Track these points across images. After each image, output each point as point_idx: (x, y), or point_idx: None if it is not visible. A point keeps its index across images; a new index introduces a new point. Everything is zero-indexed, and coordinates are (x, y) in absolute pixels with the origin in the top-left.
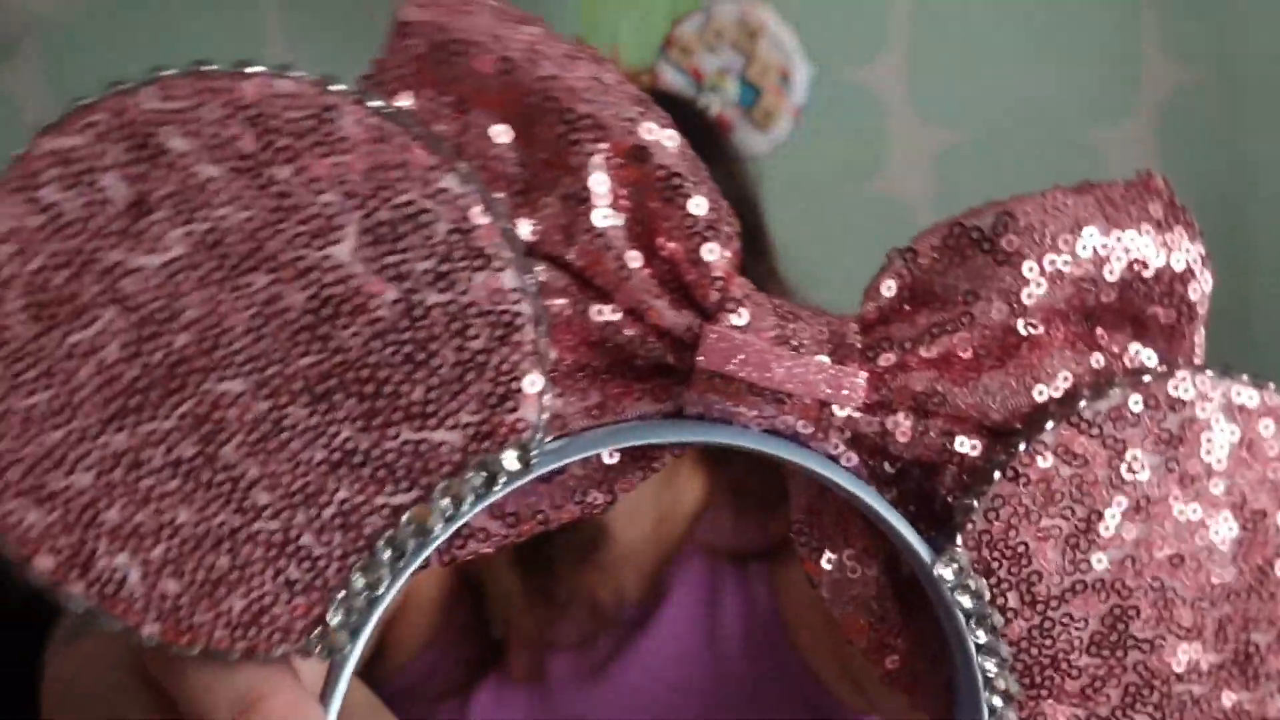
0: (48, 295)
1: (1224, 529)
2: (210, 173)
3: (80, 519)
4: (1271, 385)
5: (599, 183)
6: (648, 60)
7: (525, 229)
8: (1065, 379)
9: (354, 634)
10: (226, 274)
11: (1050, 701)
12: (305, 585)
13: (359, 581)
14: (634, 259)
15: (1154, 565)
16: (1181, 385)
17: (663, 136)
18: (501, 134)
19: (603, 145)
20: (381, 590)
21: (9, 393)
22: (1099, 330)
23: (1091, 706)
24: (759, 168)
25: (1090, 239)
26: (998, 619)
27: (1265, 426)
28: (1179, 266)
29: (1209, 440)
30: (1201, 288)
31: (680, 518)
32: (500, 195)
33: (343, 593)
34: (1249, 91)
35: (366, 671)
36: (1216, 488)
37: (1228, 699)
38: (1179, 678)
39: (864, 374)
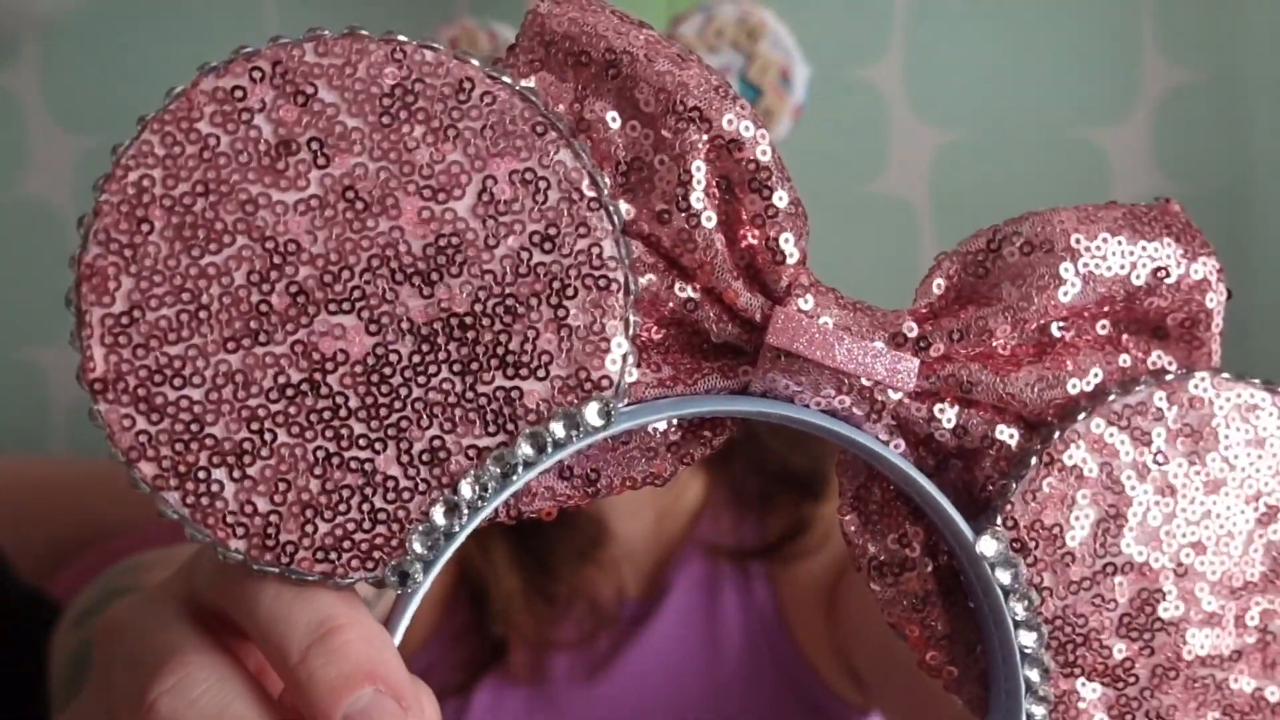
0: (189, 218)
1: (1240, 520)
2: (352, 123)
3: (186, 431)
4: None
5: (698, 170)
6: None
7: (625, 207)
8: (1096, 375)
9: (427, 567)
10: (354, 216)
11: (1082, 679)
12: (388, 515)
13: (439, 517)
14: (719, 243)
15: (1178, 551)
16: (1200, 385)
17: (757, 135)
18: (614, 119)
19: (705, 137)
20: (458, 528)
21: (139, 305)
22: (1125, 336)
23: (1121, 686)
24: None
25: (1120, 246)
26: (1034, 596)
27: (1274, 427)
28: (1197, 276)
29: (1226, 437)
30: (1218, 297)
31: (680, 516)
32: (606, 174)
33: (422, 526)
34: (1249, 91)
35: None
36: (1234, 481)
37: (1247, 684)
38: (1202, 661)
39: (917, 362)
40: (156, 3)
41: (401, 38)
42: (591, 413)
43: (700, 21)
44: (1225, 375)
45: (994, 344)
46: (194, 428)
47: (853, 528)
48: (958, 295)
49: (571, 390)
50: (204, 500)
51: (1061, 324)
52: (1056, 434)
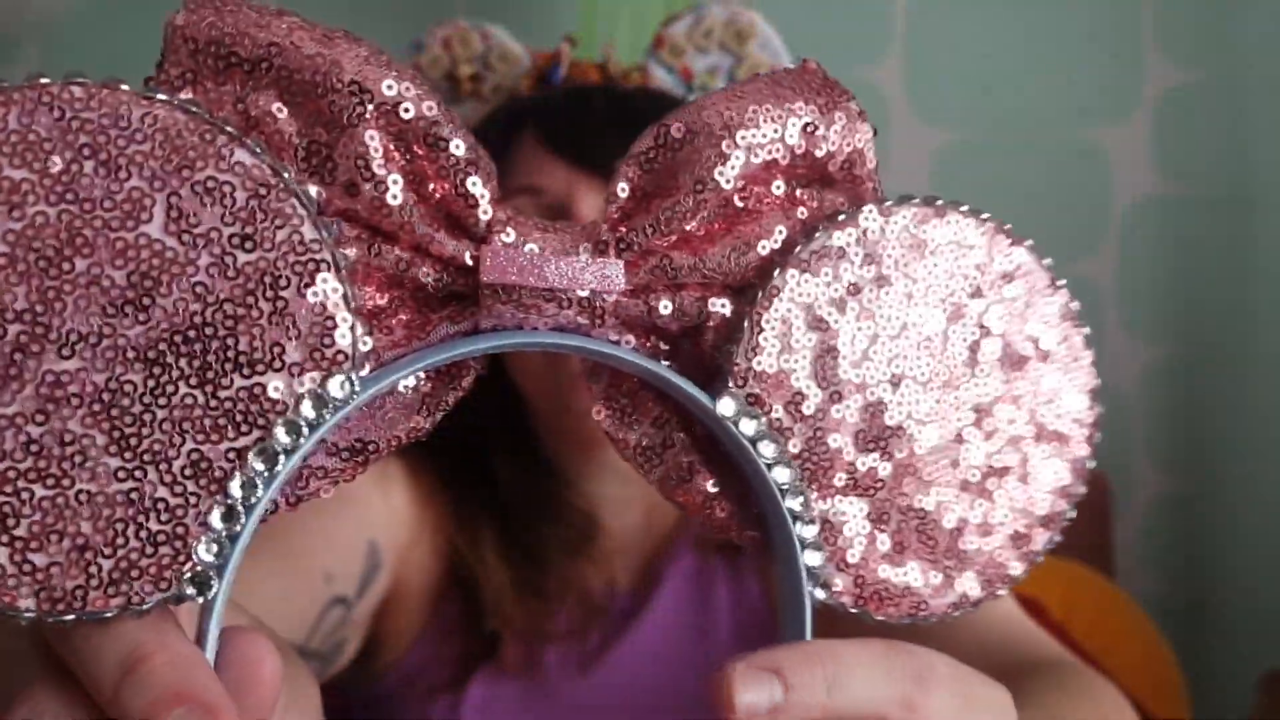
0: None
1: (935, 323)
2: (19, 175)
3: None
4: (940, 201)
5: (371, 139)
6: (641, 59)
7: (314, 190)
8: (781, 232)
9: (220, 572)
10: (49, 264)
11: (838, 496)
12: (168, 535)
13: (218, 522)
14: (411, 201)
15: (888, 364)
16: (869, 216)
17: (420, 93)
18: (280, 110)
19: (370, 106)
20: (240, 528)
21: None
22: (799, 191)
23: (873, 493)
24: None
25: (769, 114)
26: (779, 438)
27: (942, 236)
28: (841, 122)
29: (902, 255)
30: (865, 135)
31: (671, 510)
32: (288, 163)
33: (204, 536)
34: (1249, 91)
35: (358, 668)
36: (919, 291)
37: (975, 458)
38: (933, 450)
39: (621, 263)
40: (156, 3)
41: (44, 80)
42: (335, 387)
43: (690, 22)
44: (889, 202)
45: (685, 228)
46: None
47: (610, 423)
48: (643, 193)
49: (309, 371)
50: None
51: (740, 195)
52: (759, 293)
